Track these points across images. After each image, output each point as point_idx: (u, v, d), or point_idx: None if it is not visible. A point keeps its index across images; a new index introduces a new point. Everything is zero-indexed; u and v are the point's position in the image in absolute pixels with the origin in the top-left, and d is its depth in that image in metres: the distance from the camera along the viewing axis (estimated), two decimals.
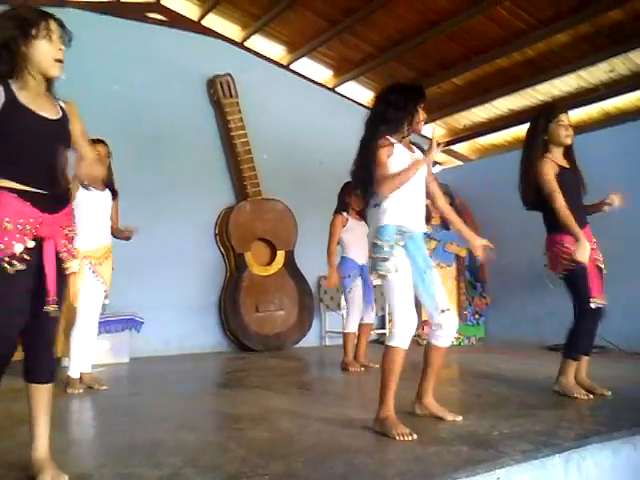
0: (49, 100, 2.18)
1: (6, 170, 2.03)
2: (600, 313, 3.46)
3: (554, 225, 3.50)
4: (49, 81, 2.18)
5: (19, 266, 1.98)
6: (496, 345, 6.63)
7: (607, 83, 6.39)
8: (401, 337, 2.75)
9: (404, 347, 2.76)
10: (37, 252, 2.05)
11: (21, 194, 2.02)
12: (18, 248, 1.99)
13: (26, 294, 2.03)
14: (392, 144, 2.85)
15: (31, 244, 2.02)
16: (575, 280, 3.45)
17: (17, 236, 1.99)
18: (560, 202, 3.41)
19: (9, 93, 2.05)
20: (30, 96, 2.09)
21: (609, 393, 3.52)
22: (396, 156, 2.84)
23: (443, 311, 2.87)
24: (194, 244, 6.58)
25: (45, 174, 2.08)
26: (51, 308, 2.06)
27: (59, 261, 2.11)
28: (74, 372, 4.00)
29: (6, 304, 2.00)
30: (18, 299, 2.02)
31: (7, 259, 1.97)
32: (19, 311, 2.02)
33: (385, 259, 2.77)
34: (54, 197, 2.10)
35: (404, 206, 2.84)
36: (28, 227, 2.01)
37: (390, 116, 2.87)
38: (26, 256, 2.00)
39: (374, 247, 2.84)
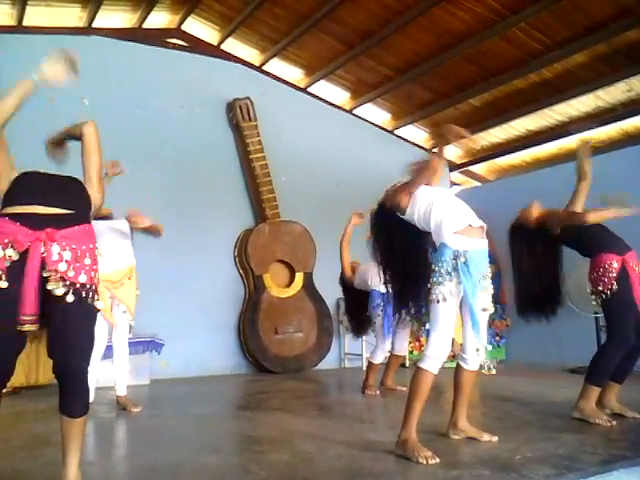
0: None
1: (5, 199, 2.18)
2: (632, 340, 3.37)
3: (596, 246, 3.47)
4: None
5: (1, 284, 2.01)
6: (517, 367, 6.56)
7: (625, 103, 6.38)
8: (433, 361, 2.75)
9: (433, 372, 2.76)
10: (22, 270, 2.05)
11: (11, 216, 2.10)
12: None
13: (13, 313, 2.03)
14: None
15: (14, 256, 2.04)
16: (614, 302, 3.39)
17: None
18: (587, 218, 3.39)
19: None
20: None
21: None
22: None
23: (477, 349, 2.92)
24: (213, 266, 6.61)
25: (48, 197, 2.15)
26: (25, 327, 2.03)
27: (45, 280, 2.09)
28: None
29: None
30: (3, 317, 2.03)
31: None
32: (5, 330, 2.03)
33: (440, 283, 2.79)
34: (55, 217, 2.13)
35: (455, 220, 2.87)
36: (8, 242, 2.05)
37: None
38: (9, 273, 2.02)
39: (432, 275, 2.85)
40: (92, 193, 2.32)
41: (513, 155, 7.86)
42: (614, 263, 3.40)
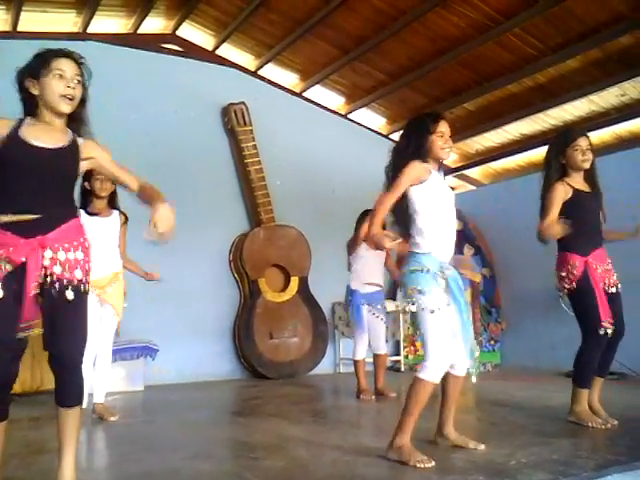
0: (60, 133, 2.25)
1: None
2: (606, 338, 3.39)
3: (562, 244, 3.51)
4: (71, 118, 2.28)
5: None
6: (512, 371, 6.57)
7: (619, 107, 6.41)
8: (433, 371, 2.71)
9: (435, 382, 2.73)
10: (21, 279, 2.07)
11: (2, 225, 2.09)
12: None
13: (11, 320, 2.06)
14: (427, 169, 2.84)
15: (8, 267, 2.06)
16: (578, 301, 3.45)
17: None
18: (545, 222, 3.41)
19: (14, 129, 2.15)
20: (36, 130, 2.18)
21: (615, 423, 3.39)
22: (430, 182, 2.84)
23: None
24: (208, 271, 6.61)
25: (34, 199, 2.13)
26: (26, 333, 2.09)
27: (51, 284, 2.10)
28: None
29: None
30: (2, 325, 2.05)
31: None
32: (5, 337, 2.05)
33: (422, 292, 2.72)
34: (43, 220, 2.12)
35: (435, 241, 2.82)
36: (3, 255, 2.06)
37: (410, 144, 2.86)
38: (4, 284, 2.04)
39: (412, 280, 2.78)
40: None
41: (508, 159, 7.86)
42: (577, 264, 3.43)
